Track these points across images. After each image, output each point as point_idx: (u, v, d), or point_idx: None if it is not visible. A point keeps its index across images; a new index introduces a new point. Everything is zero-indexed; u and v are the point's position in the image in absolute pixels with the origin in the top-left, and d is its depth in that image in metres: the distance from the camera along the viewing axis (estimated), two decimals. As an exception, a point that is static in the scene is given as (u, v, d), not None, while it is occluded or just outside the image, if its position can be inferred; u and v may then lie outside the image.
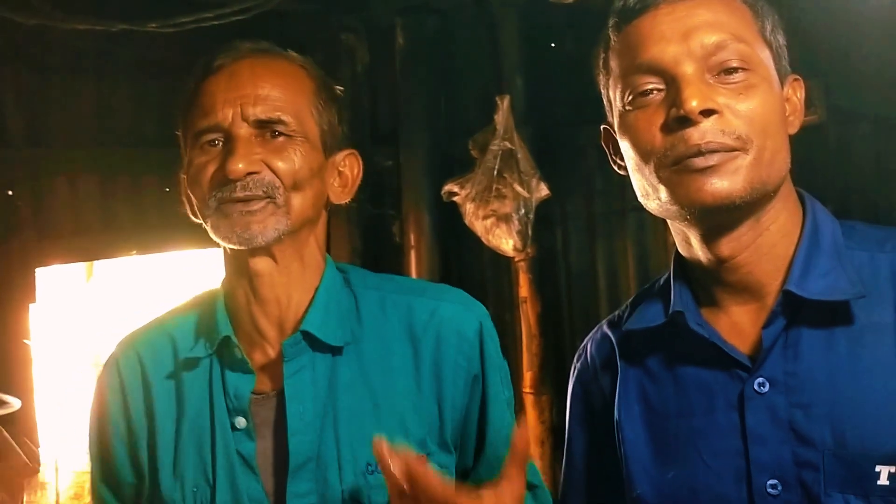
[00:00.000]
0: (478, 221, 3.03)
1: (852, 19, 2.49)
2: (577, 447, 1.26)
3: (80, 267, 3.56)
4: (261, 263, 1.18)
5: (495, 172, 2.98)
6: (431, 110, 3.31)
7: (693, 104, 0.98)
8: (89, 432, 1.30)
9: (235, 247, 1.17)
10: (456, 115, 3.34)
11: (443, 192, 3.10)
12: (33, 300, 2.82)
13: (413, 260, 3.29)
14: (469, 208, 3.04)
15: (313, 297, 1.22)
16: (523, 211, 2.97)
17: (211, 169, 1.17)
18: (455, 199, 3.07)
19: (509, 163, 2.98)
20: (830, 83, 2.58)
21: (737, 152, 0.99)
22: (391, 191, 3.39)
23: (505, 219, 2.99)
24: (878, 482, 0.96)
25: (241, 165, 1.14)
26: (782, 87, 1.07)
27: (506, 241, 3.02)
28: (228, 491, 1.18)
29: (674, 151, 1.00)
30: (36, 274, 2.83)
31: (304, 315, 1.21)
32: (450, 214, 3.15)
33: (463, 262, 3.39)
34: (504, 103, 3.00)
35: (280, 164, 1.17)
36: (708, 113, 0.99)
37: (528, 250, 3.08)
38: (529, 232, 3.01)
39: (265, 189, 1.15)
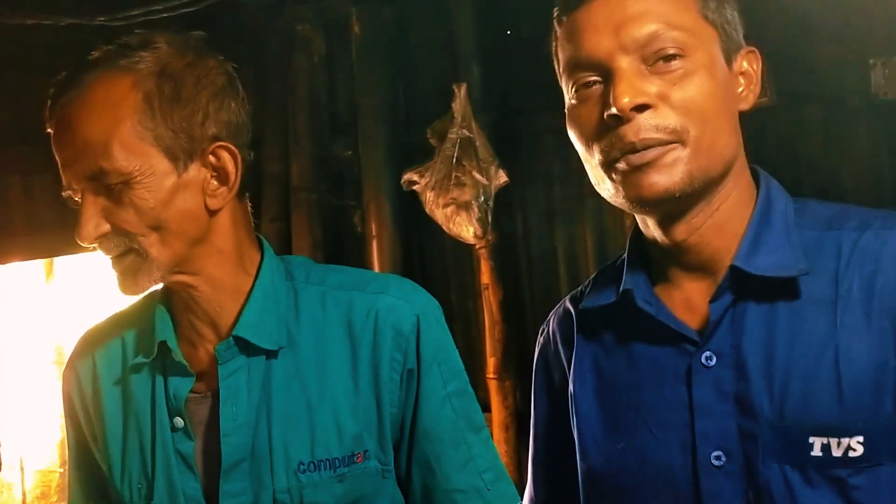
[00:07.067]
0: (438, 210, 3.04)
1: (801, 1, 2.53)
2: (540, 419, 1.29)
3: (39, 265, 3.51)
4: (180, 297, 1.22)
5: (454, 161, 2.99)
6: (389, 100, 3.30)
7: (624, 101, 0.98)
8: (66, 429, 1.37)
9: None
10: (414, 103, 3.33)
11: (402, 181, 3.10)
12: (-10, 300, 2.77)
13: (375, 250, 3.29)
14: (429, 197, 3.04)
15: (248, 297, 1.22)
16: (483, 198, 2.99)
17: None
18: (415, 187, 3.08)
19: (468, 151, 2.99)
20: (780, 65, 2.63)
21: (673, 145, 1.00)
22: (351, 181, 3.38)
23: (465, 206, 3.00)
24: (812, 453, 0.98)
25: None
26: (732, 65, 1.06)
27: (466, 229, 3.03)
28: (165, 489, 1.21)
29: (612, 148, 1.02)
30: (-9, 274, 2.79)
31: (238, 317, 1.21)
32: (410, 203, 3.16)
33: (425, 250, 3.40)
34: (461, 91, 3.00)
35: (128, 219, 1.13)
36: (641, 108, 0.99)
37: (489, 237, 3.10)
38: (489, 219, 3.02)
39: (128, 244, 1.15)
